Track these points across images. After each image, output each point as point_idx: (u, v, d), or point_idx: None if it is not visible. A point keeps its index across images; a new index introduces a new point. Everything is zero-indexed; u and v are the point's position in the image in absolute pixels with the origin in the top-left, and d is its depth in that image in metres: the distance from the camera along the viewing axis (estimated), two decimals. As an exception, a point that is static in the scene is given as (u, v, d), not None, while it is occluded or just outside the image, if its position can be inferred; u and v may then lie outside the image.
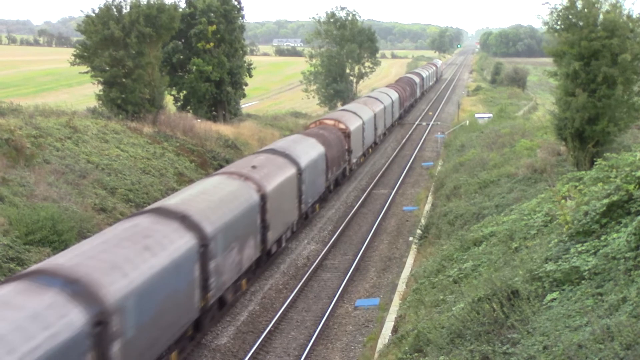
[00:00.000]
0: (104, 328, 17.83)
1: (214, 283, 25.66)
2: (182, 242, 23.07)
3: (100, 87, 57.75)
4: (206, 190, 28.94)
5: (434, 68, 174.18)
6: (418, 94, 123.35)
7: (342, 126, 54.90)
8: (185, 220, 24.18)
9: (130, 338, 19.08)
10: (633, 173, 18.39)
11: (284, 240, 37.53)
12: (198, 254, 23.92)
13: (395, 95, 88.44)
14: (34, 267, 19.09)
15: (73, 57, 57.34)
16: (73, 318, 16.85)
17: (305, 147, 42.98)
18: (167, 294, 21.50)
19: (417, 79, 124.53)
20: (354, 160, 57.78)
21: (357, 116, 60.90)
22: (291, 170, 37.52)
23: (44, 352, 15.49)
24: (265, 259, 34.07)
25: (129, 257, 20.29)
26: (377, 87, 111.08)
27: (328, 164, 46.72)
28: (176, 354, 23.46)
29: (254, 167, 34.01)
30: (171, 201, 26.67)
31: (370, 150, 68.50)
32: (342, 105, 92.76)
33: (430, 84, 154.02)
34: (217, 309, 27.56)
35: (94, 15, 56.63)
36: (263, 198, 31.85)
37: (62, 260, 19.26)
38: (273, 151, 39.22)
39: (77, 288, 17.66)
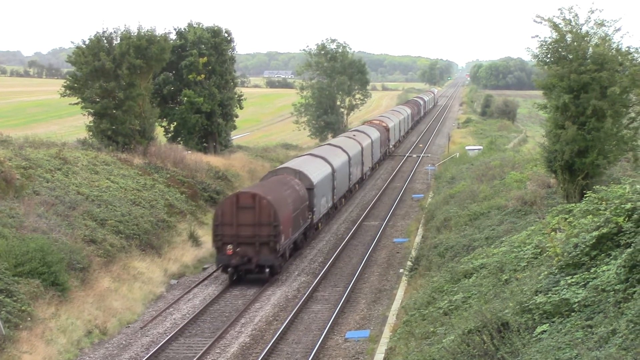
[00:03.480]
0: (333, 174, 52.51)
1: (351, 178, 60.64)
2: (343, 155, 57.86)
3: (91, 118, 57.87)
4: (342, 140, 66.10)
5: (433, 94, 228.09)
6: (422, 113, 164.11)
7: (384, 124, 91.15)
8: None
9: (338, 181, 53.95)
10: (622, 206, 18.44)
11: (370, 171, 74.88)
12: (348, 163, 58.54)
13: (409, 111, 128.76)
14: (308, 152, 60.48)
15: (63, 89, 57.55)
16: (328, 168, 51.96)
17: (371, 131, 79.05)
18: (343, 172, 56.16)
19: (421, 102, 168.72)
20: (391, 146, 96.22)
21: (391, 119, 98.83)
22: (368, 141, 72.32)
23: (325, 174, 50.47)
24: (361, 180, 68.47)
25: (332, 153, 55.72)
26: (368, 119, 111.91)
27: (381, 143, 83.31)
28: (344, 200, 59.32)
29: (354, 135, 70.37)
30: (335, 140, 67.82)
31: (397, 143, 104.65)
32: (333, 137, 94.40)
33: (430, 106, 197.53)
34: (351, 190, 63.16)
35: (84, 46, 56.94)
36: (362, 149, 66.55)
37: (315, 152, 56.89)
38: (358, 131, 75.96)
39: (325, 160, 52.42)
